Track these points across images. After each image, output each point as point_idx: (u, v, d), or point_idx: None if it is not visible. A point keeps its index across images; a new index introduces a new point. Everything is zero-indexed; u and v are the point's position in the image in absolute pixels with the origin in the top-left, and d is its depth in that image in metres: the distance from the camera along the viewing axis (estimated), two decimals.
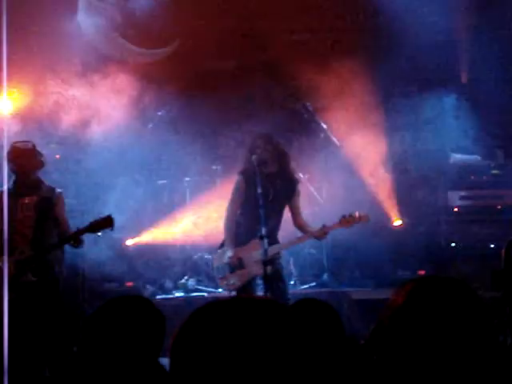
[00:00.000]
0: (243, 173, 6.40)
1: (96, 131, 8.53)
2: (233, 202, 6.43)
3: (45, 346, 5.83)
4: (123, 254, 8.41)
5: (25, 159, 6.00)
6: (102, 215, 5.80)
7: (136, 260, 8.50)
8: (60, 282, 6.05)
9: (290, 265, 8.46)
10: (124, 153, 8.58)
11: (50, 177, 8.29)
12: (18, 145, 6.02)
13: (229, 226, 6.39)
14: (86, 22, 9.15)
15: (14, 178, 6.05)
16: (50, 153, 8.82)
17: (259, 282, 6.36)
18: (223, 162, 9.03)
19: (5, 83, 5.36)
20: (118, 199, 8.34)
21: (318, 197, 8.99)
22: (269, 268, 6.02)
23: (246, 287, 6.30)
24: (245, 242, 6.32)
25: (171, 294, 8.36)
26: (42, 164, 6.14)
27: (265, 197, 6.14)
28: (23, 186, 6.04)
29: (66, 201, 6.36)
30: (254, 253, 6.19)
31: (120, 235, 8.46)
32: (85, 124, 8.56)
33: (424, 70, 9.32)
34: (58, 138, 8.73)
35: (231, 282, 6.32)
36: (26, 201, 6.00)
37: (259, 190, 6.09)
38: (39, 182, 6.13)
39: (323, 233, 6.33)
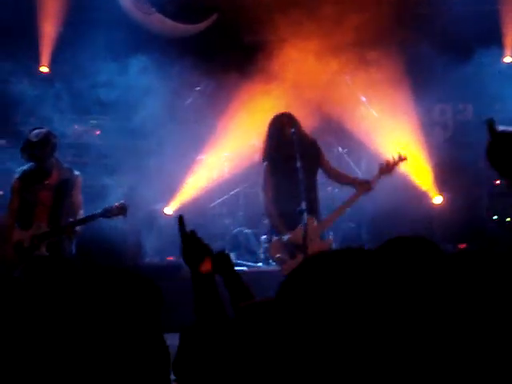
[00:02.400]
0: (267, 159, 6.34)
1: (136, 107, 8.62)
2: (266, 190, 6.32)
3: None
4: (163, 226, 8.48)
5: (38, 151, 6.11)
6: (117, 203, 6.09)
7: (176, 233, 8.55)
8: (69, 260, 6.23)
9: (328, 238, 8.45)
10: (161, 128, 8.65)
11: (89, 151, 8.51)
12: (30, 137, 6.11)
13: (271, 212, 6.28)
14: None
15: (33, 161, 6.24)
16: (90, 128, 9.02)
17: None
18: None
19: None
20: (155, 173, 8.43)
21: (356, 170, 8.95)
22: (328, 240, 6.16)
23: None
24: (292, 225, 6.12)
25: None
26: (54, 149, 6.24)
27: (295, 177, 6.01)
28: (43, 169, 6.23)
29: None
30: (311, 231, 5.98)
31: (159, 207, 8.64)
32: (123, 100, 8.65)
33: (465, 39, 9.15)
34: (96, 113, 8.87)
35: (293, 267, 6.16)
36: (47, 182, 6.21)
37: (290, 171, 6.01)
38: (56, 164, 6.29)
39: (369, 186, 6.25)
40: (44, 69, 9.04)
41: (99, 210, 6.08)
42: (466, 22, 8.61)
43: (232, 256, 8.43)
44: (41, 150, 6.10)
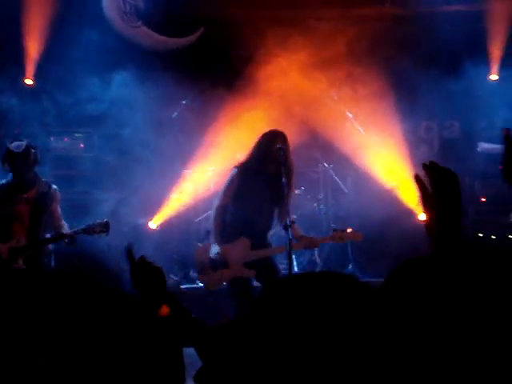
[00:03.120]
0: (240, 167, 6.12)
1: (121, 120, 8.60)
2: (224, 195, 6.10)
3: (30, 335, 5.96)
4: (147, 240, 8.43)
5: (19, 162, 6.12)
6: (100, 220, 6.13)
7: (160, 248, 8.51)
8: (46, 273, 6.23)
9: (314, 255, 8.43)
10: (148, 142, 8.63)
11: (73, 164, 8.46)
12: (11, 148, 6.11)
13: (217, 220, 6.06)
14: (109, 9, 9.17)
15: (11, 173, 6.22)
16: (75, 142, 8.98)
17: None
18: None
19: None
20: (140, 187, 8.39)
21: (342, 186, 8.95)
22: (252, 272, 5.88)
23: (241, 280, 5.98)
24: (232, 240, 5.99)
25: (195, 283, 8.36)
26: (36, 162, 6.26)
27: (260, 195, 5.94)
28: (21, 183, 6.22)
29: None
30: (240, 253, 5.91)
31: (144, 221, 8.62)
32: (109, 113, 8.63)
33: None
34: (82, 127, 8.84)
35: (212, 280, 6.00)
36: (25, 195, 6.20)
37: (256, 188, 5.92)
38: (35, 178, 6.30)
39: (312, 244, 6.11)
40: (28, 81, 8.98)
41: (82, 226, 6.09)
42: (453, 40, 8.65)
43: None
44: (22, 161, 6.10)
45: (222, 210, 6.06)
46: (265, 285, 5.81)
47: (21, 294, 6.00)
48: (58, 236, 6.12)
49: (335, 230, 6.10)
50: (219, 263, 5.94)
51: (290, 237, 5.71)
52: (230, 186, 6.08)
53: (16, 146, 6.11)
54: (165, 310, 2.48)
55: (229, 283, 6.00)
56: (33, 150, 6.19)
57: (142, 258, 2.58)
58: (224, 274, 5.97)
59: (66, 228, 6.19)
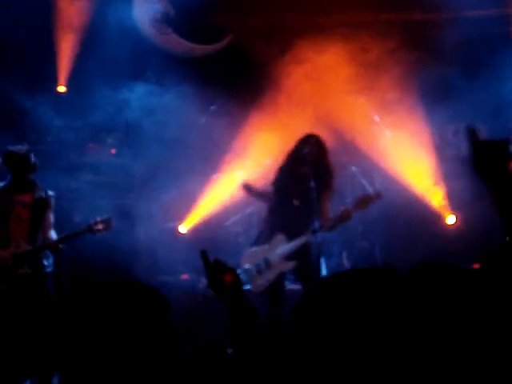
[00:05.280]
0: (276, 171, 6.46)
1: (150, 127, 8.72)
2: (268, 200, 6.45)
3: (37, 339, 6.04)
4: (179, 243, 8.52)
5: (20, 163, 6.25)
6: (101, 217, 6.18)
7: (192, 251, 8.59)
8: (48, 276, 6.29)
9: (342, 258, 8.46)
10: (177, 147, 8.74)
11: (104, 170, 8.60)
12: (13, 149, 6.26)
13: (264, 223, 6.41)
14: (140, 17, 9.30)
15: (10, 176, 6.33)
16: (107, 147, 9.11)
17: (289, 276, 6.29)
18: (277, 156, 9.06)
19: None
20: (170, 192, 8.50)
21: (370, 190, 8.96)
22: (292, 263, 6.00)
23: (275, 283, 6.18)
24: (270, 239, 6.21)
25: None
26: (35, 167, 6.38)
27: (292, 195, 6.11)
28: (19, 185, 6.32)
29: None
30: (277, 250, 6.11)
31: (174, 225, 8.72)
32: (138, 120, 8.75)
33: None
34: (112, 133, 8.97)
35: (259, 282, 6.19)
36: (22, 198, 6.28)
37: (288, 188, 6.15)
38: (34, 183, 6.38)
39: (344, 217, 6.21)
40: (61, 88, 9.12)
41: (84, 226, 6.18)
42: (482, 43, 8.64)
43: (246, 274, 8.50)
44: (22, 163, 6.23)
45: (267, 215, 6.38)
46: (307, 286, 5.93)
47: (32, 297, 6.11)
48: (64, 237, 6.18)
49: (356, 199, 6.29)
50: (261, 265, 6.14)
51: (318, 241, 5.83)
52: (269, 190, 6.42)
53: (17, 148, 6.27)
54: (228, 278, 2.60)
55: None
56: (32, 155, 6.33)
57: (217, 260, 2.68)
58: (269, 274, 6.12)
59: (54, 237, 6.24)
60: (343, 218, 6.20)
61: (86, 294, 2.13)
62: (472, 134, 2.22)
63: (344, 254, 8.42)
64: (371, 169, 9.02)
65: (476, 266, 8.37)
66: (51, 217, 6.34)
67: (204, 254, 2.69)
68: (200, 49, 9.70)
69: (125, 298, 2.09)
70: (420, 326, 1.51)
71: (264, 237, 6.26)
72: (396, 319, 1.48)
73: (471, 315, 1.64)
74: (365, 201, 6.18)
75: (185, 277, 8.44)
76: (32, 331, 5.97)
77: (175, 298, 5.71)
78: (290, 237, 6.07)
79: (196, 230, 8.81)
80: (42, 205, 6.30)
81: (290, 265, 6.06)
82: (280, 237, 6.09)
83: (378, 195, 6.26)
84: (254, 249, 6.21)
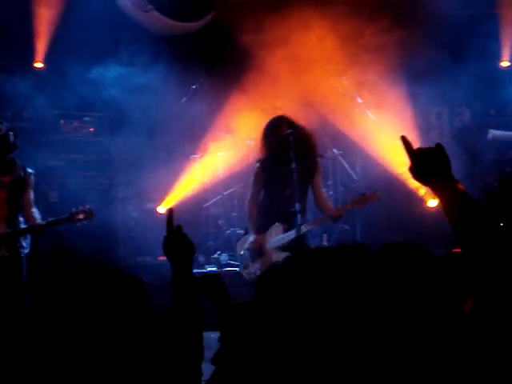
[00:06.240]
0: (260, 160, 6.29)
1: (130, 105, 8.59)
2: (252, 189, 6.30)
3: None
4: (157, 224, 8.43)
5: (2, 144, 6.01)
6: (82, 206, 6.02)
7: None
8: (24, 257, 6.14)
9: (323, 241, 8.42)
10: (157, 126, 8.63)
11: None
12: None
13: (249, 213, 6.27)
14: None
15: None
16: (84, 126, 8.97)
17: None
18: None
19: None
20: (149, 172, 8.39)
21: (351, 172, 8.92)
22: (285, 254, 5.89)
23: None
24: (266, 228, 6.14)
25: (204, 268, 8.37)
26: (15, 147, 6.13)
27: (284, 181, 6.00)
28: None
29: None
30: (273, 239, 6.06)
31: (152, 206, 8.63)
32: (117, 98, 8.62)
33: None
34: (91, 111, 8.83)
35: (252, 270, 6.15)
36: (2, 179, 6.08)
37: (279, 175, 6.02)
38: (13, 162, 6.16)
39: (337, 215, 6.11)
40: (39, 64, 8.96)
41: (65, 215, 6.01)
42: (465, 26, 8.58)
43: (225, 256, 8.45)
44: (1, 143, 6.00)
45: (253, 203, 6.25)
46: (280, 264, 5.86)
47: (5, 280, 5.98)
48: (46, 224, 6.02)
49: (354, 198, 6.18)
50: (256, 253, 6.10)
51: (299, 222, 5.80)
52: (256, 180, 6.27)
53: None
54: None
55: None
56: (12, 134, 6.10)
57: (179, 228, 2.57)
58: (263, 263, 6.09)
59: (36, 215, 6.11)
60: (354, 204, 6.15)
61: (61, 278, 2.08)
62: (406, 143, 2.21)
63: (325, 236, 8.38)
64: (353, 151, 8.97)
65: (457, 250, 8.34)
66: (31, 195, 6.17)
67: (170, 216, 2.64)
68: (181, 26, 9.54)
69: (101, 282, 2.06)
70: (382, 299, 1.53)
71: (261, 225, 6.16)
72: (361, 294, 1.48)
73: (431, 296, 1.71)
74: (359, 201, 6.12)
75: (163, 258, 8.35)
76: (3, 314, 5.86)
77: (154, 279, 5.65)
78: (287, 227, 6.02)
79: (175, 211, 8.70)
80: (22, 184, 6.12)
81: (284, 255, 6.00)
82: (277, 227, 6.04)
83: (374, 196, 6.17)
84: (251, 237, 6.14)
